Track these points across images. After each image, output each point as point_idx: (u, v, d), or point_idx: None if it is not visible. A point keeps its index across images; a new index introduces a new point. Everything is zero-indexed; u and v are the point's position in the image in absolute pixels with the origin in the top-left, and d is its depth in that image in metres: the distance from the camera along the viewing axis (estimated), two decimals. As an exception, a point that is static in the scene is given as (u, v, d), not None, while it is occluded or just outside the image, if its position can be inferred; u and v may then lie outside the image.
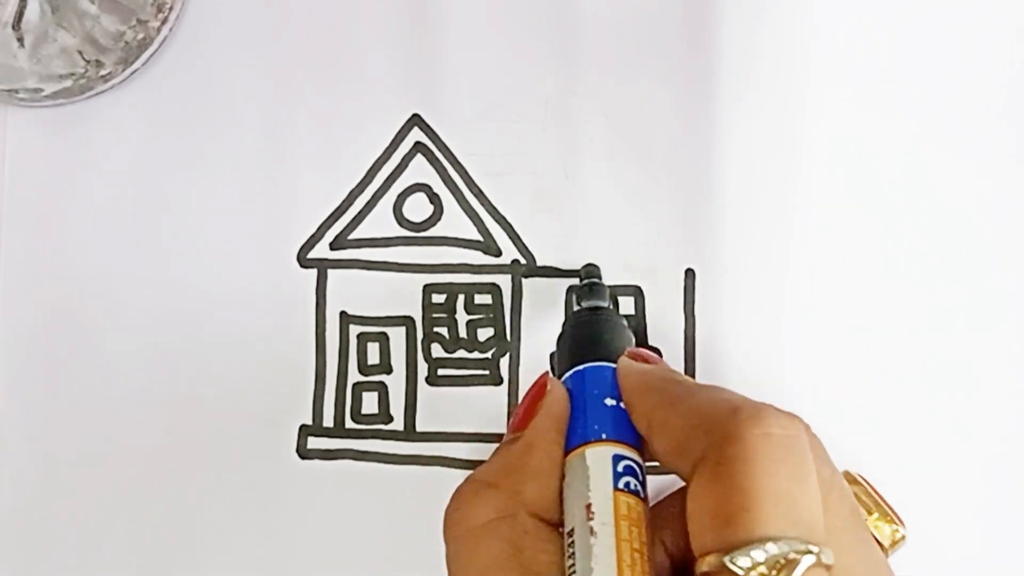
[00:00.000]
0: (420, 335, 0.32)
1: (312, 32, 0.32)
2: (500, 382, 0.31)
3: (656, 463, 0.21)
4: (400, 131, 0.32)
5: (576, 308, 0.28)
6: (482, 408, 0.31)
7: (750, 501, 0.17)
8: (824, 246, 0.31)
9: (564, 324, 0.27)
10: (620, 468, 0.21)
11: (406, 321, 0.32)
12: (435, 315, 0.32)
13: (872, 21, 0.32)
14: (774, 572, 0.17)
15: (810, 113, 0.32)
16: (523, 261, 0.32)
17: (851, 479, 0.29)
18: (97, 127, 0.32)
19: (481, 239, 0.32)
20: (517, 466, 0.21)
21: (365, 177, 0.32)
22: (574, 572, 0.19)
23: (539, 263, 0.32)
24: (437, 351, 0.31)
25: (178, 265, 0.32)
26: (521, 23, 0.32)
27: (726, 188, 0.31)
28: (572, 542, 0.20)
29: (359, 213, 0.32)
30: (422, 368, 0.31)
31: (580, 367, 0.23)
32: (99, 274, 0.32)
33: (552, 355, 0.30)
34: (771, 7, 0.32)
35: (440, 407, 0.31)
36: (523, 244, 0.32)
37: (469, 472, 0.30)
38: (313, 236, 0.32)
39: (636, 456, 0.21)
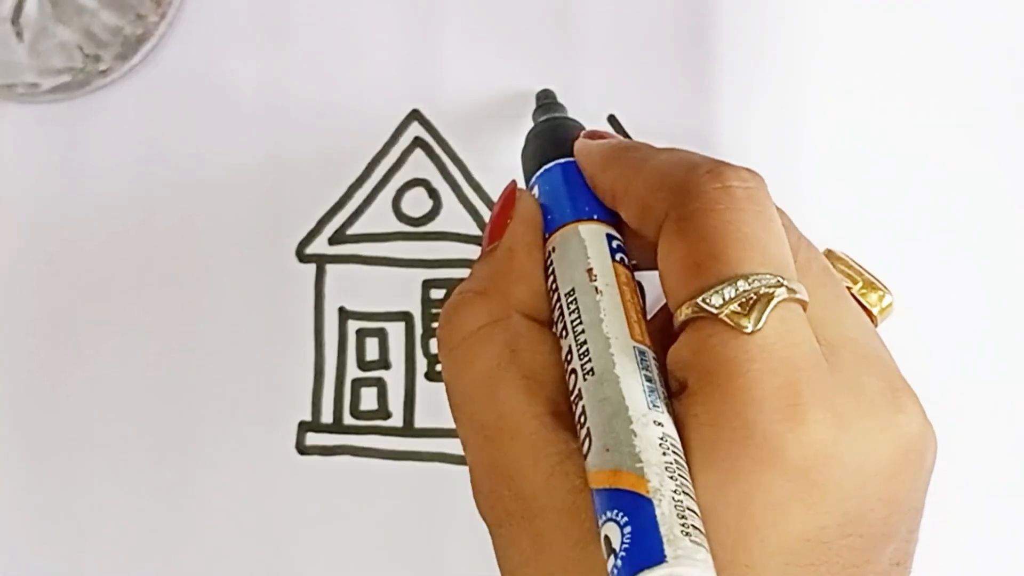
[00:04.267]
0: (419, 331, 0.31)
1: (311, 27, 0.32)
2: (499, 378, 0.31)
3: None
4: (399, 126, 0.32)
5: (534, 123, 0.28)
6: (481, 404, 0.31)
7: (716, 247, 0.18)
8: (824, 244, 0.31)
9: (525, 139, 0.27)
10: (613, 245, 0.21)
11: (405, 316, 0.31)
12: (434, 310, 0.31)
13: (874, 20, 0.32)
14: (747, 307, 0.17)
15: (811, 112, 0.32)
16: (522, 257, 0.31)
17: (832, 255, 0.29)
18: (95, 122, 0.32)
19: (480, 234, 0.32)
20: (502, 271, 0.21)
21: (364, 172, 0.32)
22: (579, 326, 0.19)
23: (538, 259, 0.31)
24: (436, 347, 0.31)
25: (176, 259, 0.32)
26: (521, 19, 0.32)
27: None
28: (572, 301, 0.20)
29: (358, 208, 0.32)
30: (421, 364, 0.31)
31: (547, 166, 0.23)
32: (97, 269, 0.32)
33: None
34: (771, 5, 0.32)
35: (439, 403, 0.31)
36: (522, 240, 0.32)
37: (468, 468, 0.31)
38: (312, 231, 0.32)
39: (620, 236, 0.21)
